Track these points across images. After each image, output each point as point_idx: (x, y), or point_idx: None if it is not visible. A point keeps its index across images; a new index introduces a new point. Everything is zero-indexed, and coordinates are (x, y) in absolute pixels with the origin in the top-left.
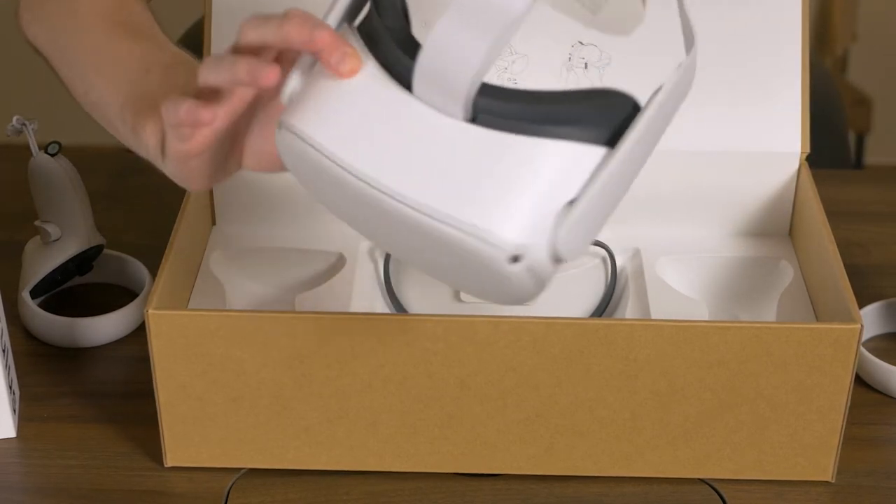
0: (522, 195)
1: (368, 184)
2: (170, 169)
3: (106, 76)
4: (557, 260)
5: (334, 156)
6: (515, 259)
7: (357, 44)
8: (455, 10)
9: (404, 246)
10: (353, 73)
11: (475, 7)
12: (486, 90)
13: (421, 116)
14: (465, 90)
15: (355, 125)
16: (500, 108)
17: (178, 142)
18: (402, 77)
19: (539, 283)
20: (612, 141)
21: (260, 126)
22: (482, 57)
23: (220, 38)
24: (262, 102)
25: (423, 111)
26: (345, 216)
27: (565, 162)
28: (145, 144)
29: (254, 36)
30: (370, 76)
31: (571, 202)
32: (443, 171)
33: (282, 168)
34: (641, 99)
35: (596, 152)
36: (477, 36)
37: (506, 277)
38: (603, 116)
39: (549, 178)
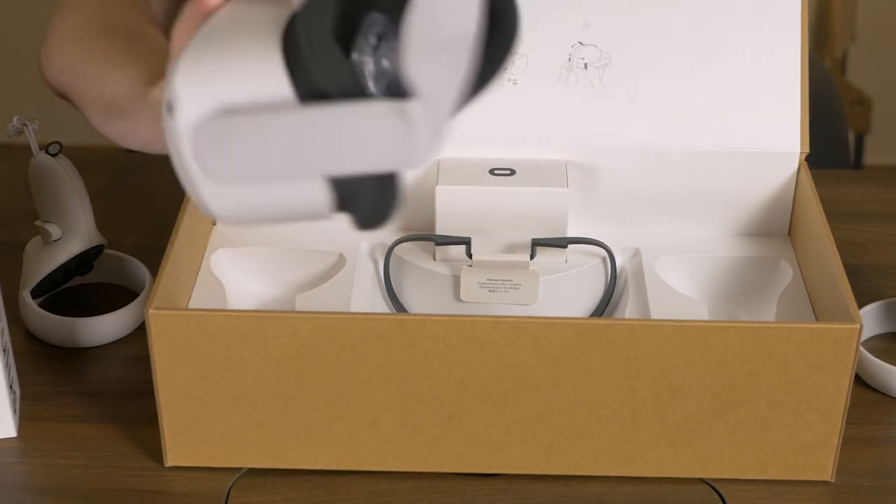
0: (213, 64)
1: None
2: None
3: (115, 70)
4: (194, 152)
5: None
6: (169, 108)
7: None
8: None
9: None
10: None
11: None
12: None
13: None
14: None
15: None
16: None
17: None
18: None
19: (180, 155)
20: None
21: None
22: None
23: None
24: None
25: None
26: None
27: (257, 64)
28: (153, 102)
29: None
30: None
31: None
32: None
33: None
34: None
35: (285, 89)
36: None
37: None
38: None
39: (237, 67)
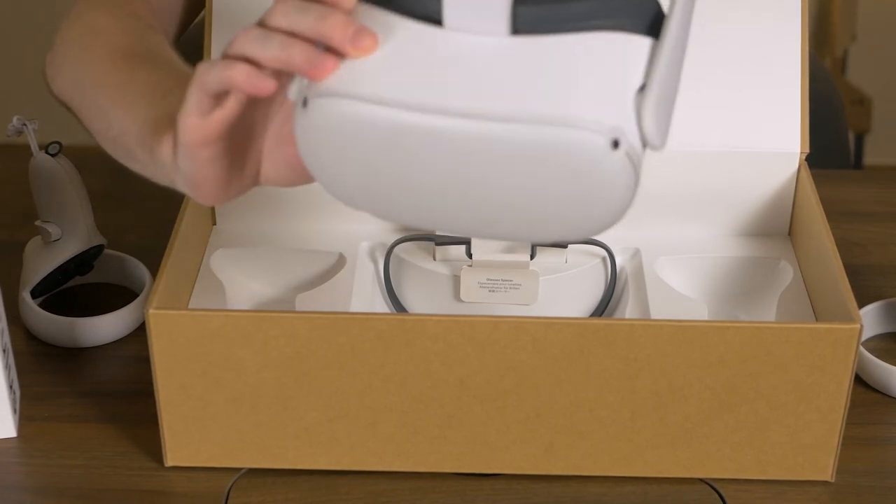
0: (597, 85)
1: (443, 113)
2: (184, 167)
3: (124, 107)
4: (646, 146)
5: (393, 100)
6: (616, 144)
7: (373, 12)
8: None
9: (470, 196)
10: (373, 47)
11: None
12: (524, 2)
13: (462, 43)
14: (503, 2)
15: (401, 69)
16: (539, 14)
17: (196, 117)
18: (432, 17)
19: (636, 176)
20: (652, 30)
21: (277, 128)
22: None
23: (220, 38)
24: (276, 107)
25: (463, 38)
26: (380, 199)
27: (621, 51)
28: (161, 160)
29: (285, 23)
30: (394, 27)
31: (642, 88)
32: (509, 84)
33: (301, 178)
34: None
35: (643, 41)
36: None
37: (607, 174)
38: (639, 7)
39: (612, 67)
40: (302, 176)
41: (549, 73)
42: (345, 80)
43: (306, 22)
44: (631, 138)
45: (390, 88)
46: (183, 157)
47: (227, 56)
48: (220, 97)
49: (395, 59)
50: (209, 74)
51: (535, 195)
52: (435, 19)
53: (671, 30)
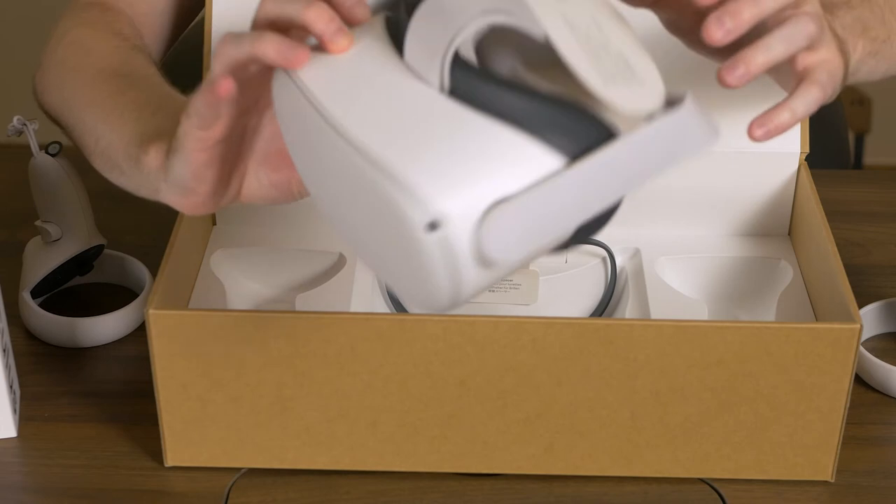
0: (463, 169)
1: (324, 118)
2: (178, 173)
3: (111, 123)
4: (478, 252)
5: (309, 92)
6: (433, 226)
7: (379, 29)
8: None
9: (343, 212)
10: (343, 49)
11: None
12: (467, 67)
13: (397, 76)
14: (442, 56)
15: (340, 76)
16: (473, 87)
17: (199, 129)
18: (399, 47)
19: (452, 272)
20: (577, 156)
21: (264, 145)
22: (462, 23)
23: (220, 38)
24: (265, 120)
25: (402, 73)
26: (310, 179)
27: (515, 155)
28: (147, 170)
29: (275, 10)
30: (372, 43)
31: (508, 199)
32: (398, 127)
33: (282, 197)
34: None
35: (553, 160)
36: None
37: (421, 251)
38: (575, 128)
39: (494, 164)
40: (283, 195)
41: (437, 137)
42: (307, 64)
43: (293, 7)
44: (457, 231)
45: (316, 84)
46: (179, 163)
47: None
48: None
49: (343, 67)
50: (234, 46)
51: (378, 240)
52: (399, 49)
53: (587, 163)
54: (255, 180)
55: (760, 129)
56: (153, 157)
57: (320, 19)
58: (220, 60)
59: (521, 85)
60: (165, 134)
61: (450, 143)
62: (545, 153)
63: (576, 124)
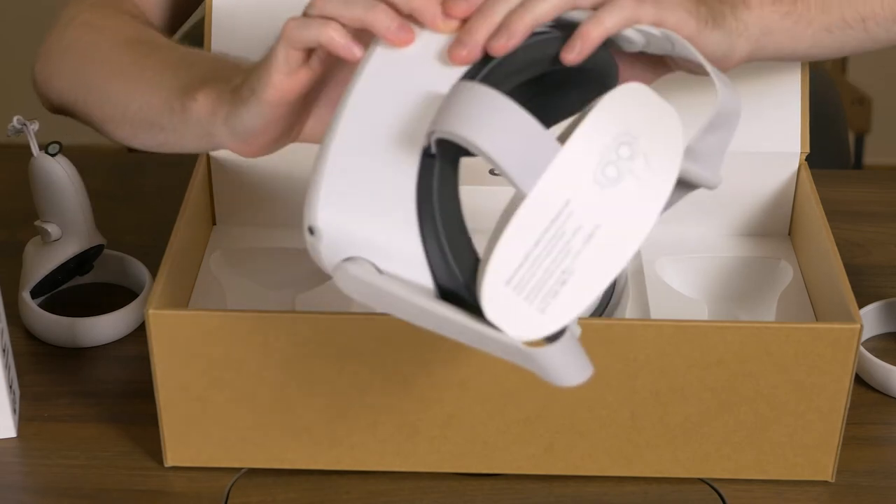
0: (373, 196)
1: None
2: (247, 123)
3: (143, 85)
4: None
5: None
6: (311, 231)
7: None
8: None
9: None
10: (407, 42)
11: None
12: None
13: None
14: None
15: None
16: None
17: (284, 74)
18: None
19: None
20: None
21: (329, 89)
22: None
23: (220, 38)
24: (336, 71)
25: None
26: None
27: (396, 240)
28: (196, 117)
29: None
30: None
31: (362, 260)
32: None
33: None
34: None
35: (428, 284)
36: None
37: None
38: (455, 288)
39: (398, 182)
40: None
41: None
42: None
43: (356, 10)
44: (326, 240)
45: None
46: (251, 114)
47: (310, 15)
48: (305, 56)
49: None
50: (302, 31)
51: None
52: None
53: (439, 307)
54: (319, 123)
55: (570, 54)
56: (202, 103)
57: (381, 17)
58: (351, 19)
59: (461, 224)
60: (211, 81)
61: (362, 169)
62: (428, 277)
63: (458, 290)
